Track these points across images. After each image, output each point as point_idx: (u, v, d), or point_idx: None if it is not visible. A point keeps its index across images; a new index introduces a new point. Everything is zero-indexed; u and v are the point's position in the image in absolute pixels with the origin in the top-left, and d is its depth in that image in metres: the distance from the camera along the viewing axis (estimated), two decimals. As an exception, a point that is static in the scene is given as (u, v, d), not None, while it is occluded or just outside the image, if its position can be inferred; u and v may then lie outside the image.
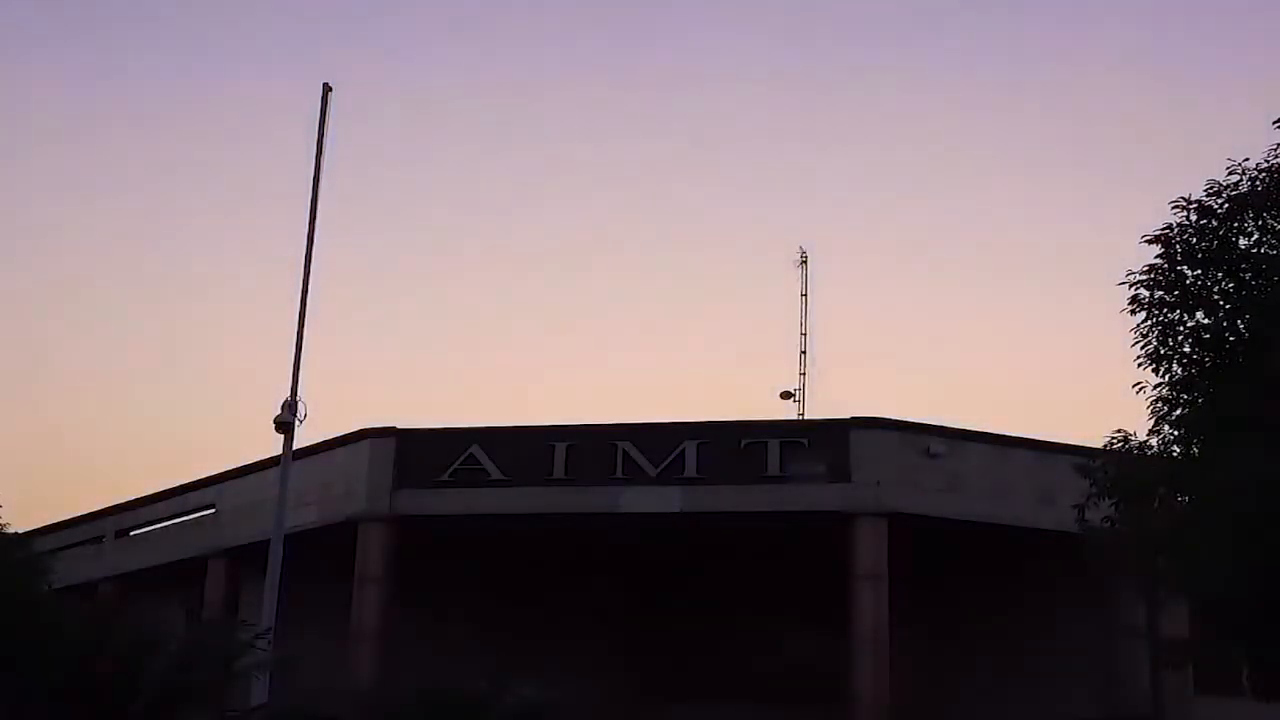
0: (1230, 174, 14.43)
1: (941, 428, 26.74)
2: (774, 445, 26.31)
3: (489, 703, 21.04)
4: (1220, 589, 13.60)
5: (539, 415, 51.60)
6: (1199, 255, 14.49)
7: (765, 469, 26.24)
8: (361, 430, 28.25)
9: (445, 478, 27.16)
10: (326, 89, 23.73)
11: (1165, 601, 16.35)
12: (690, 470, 26.42)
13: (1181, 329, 14.58)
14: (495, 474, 26.98)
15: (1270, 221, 14.40)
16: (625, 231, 71.19)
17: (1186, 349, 14.61)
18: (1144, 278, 14.59)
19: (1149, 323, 14.61)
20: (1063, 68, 68.80)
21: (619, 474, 26.58)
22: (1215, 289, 14.57)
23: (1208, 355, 14.55)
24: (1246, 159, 14.42)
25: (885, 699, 24.92)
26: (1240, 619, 13.61)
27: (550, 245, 70.61)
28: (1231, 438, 13.50)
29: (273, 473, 24.20)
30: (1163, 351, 14.60)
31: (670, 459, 26.42)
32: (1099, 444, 15.88)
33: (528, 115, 71.32)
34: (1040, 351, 65.56)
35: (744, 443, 26.47)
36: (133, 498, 34.55)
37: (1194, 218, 14.52)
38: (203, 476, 32.33)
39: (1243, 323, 14.38)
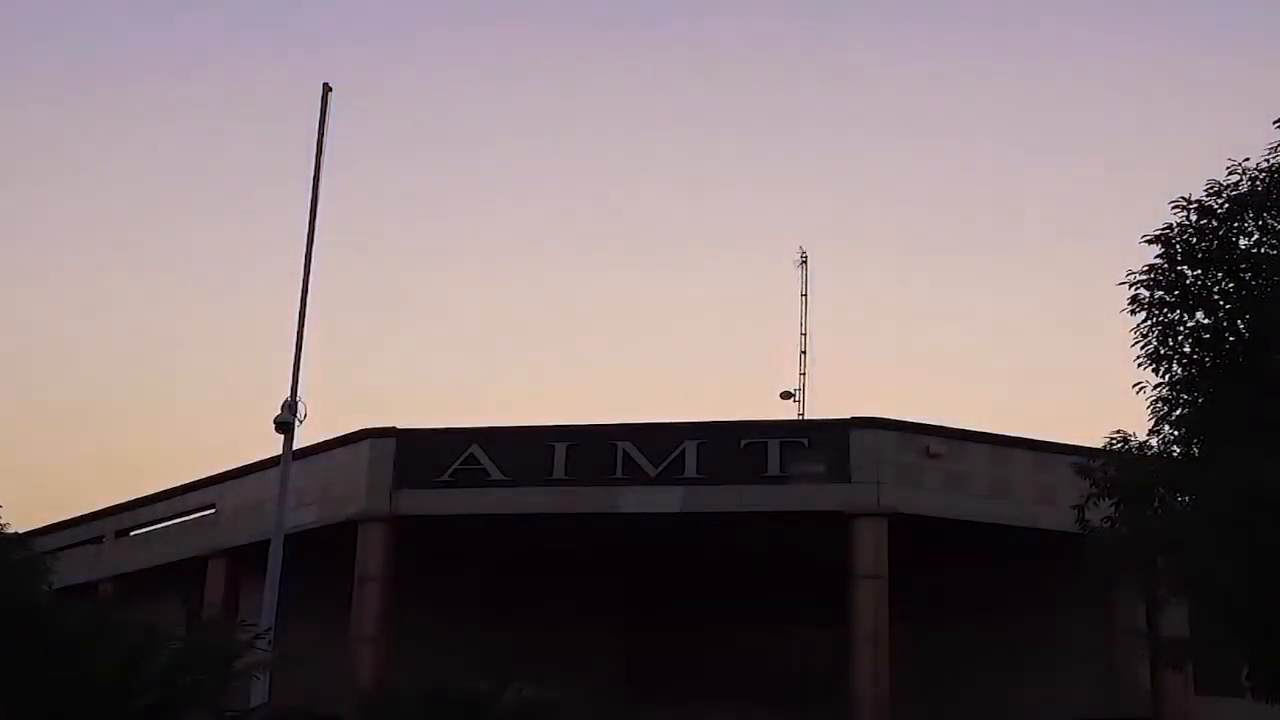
0: (1230, 174, 14.46)
1: (941, 428, 26.73)
2: (774, 445, 26.29)
3: (489, 703, 21.05)
4: (1220, 589, 13.59)
5: (539, 415, 51.60)
6: (1199, 255, 14.52)
7: (765, 469, 26.23)
8: (361, 430, 28.24)
9: (445, 478, 27.14)
10: (326, 89, 23.72)
11: (1165, 601, 16.31)
12: (690, 470, 26.40)
13: (1181, 329, 14.60)
14: (495, 474, 26.97)
15: (1270, 221, 14.42)
16: (625, 231, 71.24)
17: (1186, 349, 14.63)
18: (1144, 278, 14.62)
19: (1149, 323, 14.64)
20: (1063, 67, 68.82)
21: (619, 474, 26.57)
22: (1215, 289, 14.60)
23: (1208, 355, 14.57)
24: (1246, 159, 14.46)
25: (885, 699, 24.91)
26: (1240, 619, 13.61)
27: (550, 245, 70.66)
28: (1231, 438, 13.51)
29: (273, 473, 24.19)
30: (1163, 351, 14.62)
31: (670, 459, 26.41)
32: (1099, 444, 15.86)
33: (528, 115, 71.37)
34: (1040, 351, 65.61)
35: (744, 443, 26.45)
36: (133, 498, 34.54)
37: (1194, 218, 14.54)
38: (203, 476, 32.31)
39: (1243, 323, 14.40)
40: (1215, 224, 14.47)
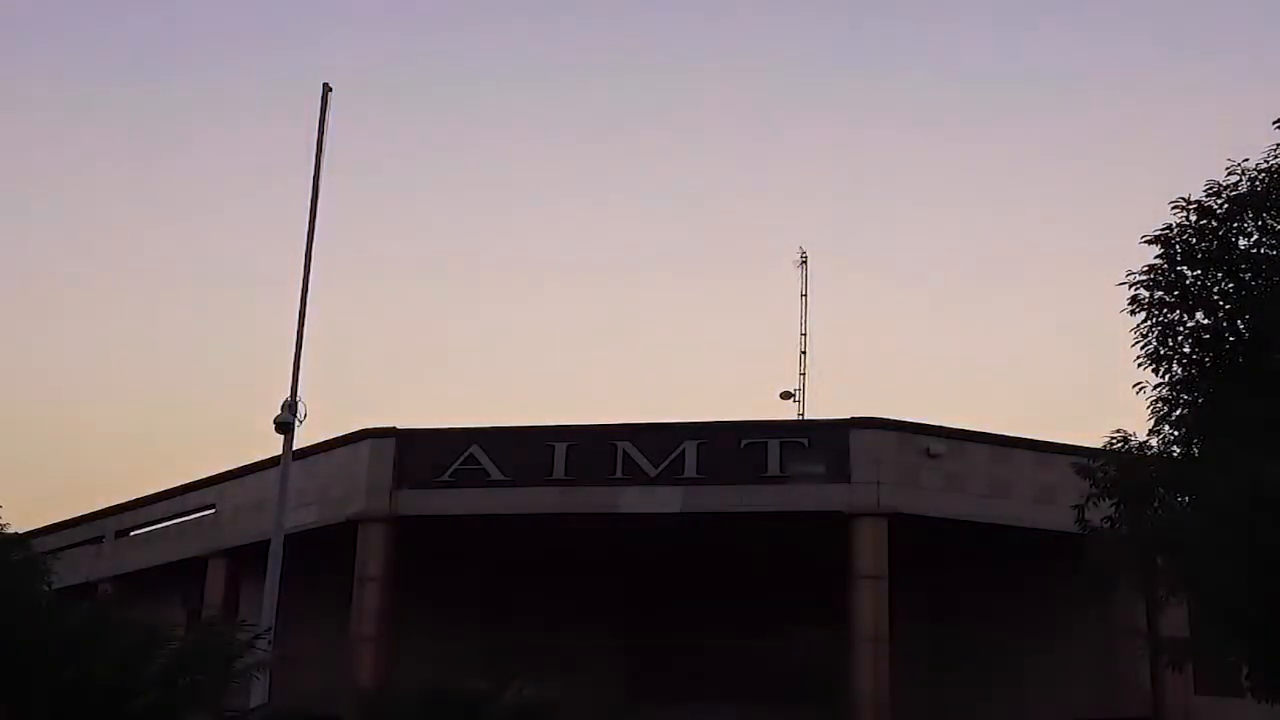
0: (1230, 174, 14.46)
1: (941, 428, 26.73)
2: (774, 445, 26.28)
3: (489, 702, 21.04)
4: (1220, 589, 13.59)
5: (539, 415, 51.62)
6: (1199, 255, 14.52)
7: (765, 469, 26.22)
8: (361, 430, 28.24)
9: (445, 478, 27.14)
10: (326, 89, 23.74)
11: (1165, 601, 16.30)
12: (690, 470, 26.39)
13: (1181, 329, 14.60)
14: (495, 474, 26.96)
15: (1270, 221, 14.43)
16: (625, 231, 71.24)
17: (1186, 349, 14.63)
18: (1144, 278, 14.62)
19: (1149, 323, 14.64)
20: (1063, 68, 68.82)
21: (619, 474, 26.55)
22: (1215, 289, 14.60)
23: (1208, 355, 14.57)
24: (1246, 159, 14.46)
25: (885, 699, 24.90)
26: (1240, 619, 13.61)
27: (550, 245, 70.68)
28: (1231, 438, 13.51)
29: (273, 473, 24.19)
30: (1163, 351, 14.62)
31: (670, 459, 26.40)
32: (1099, 444, 15.86)
33: (528, 115, 71.37)
34: (1040, 351, 65.63)
35: (744, 443, 26.44)
36: (133, 498, 34.54)
37: (1194, 218, 14.54)
38: (203, 476, 32.32)
39: (1243, 323, 14.40)
40: (1215, 224, 14.47)
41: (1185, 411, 14.57)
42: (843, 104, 68.43)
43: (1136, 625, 24.31)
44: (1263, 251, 14.39)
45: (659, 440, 26.61)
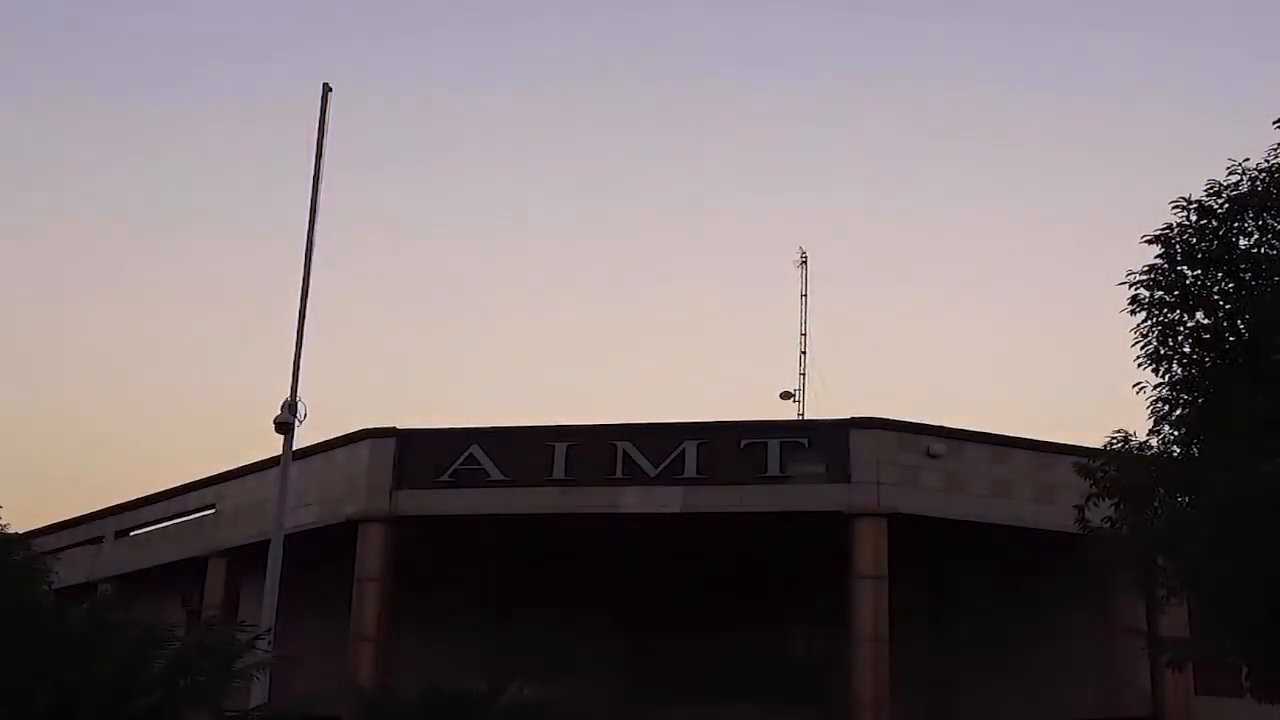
0: (1230, 174, 14.45)
1: (941, 428, 26.72)
2: (774, 445, 26.27)
3: (489, 703, 21.00)
4: (1220, 589, 13.59)
5: (539, 415, 51.62)
6: (1199, 255, 14.51)
7: (765, 469, 26.21)
8: (361, 430, 28.23)
9: (445, 478, 27.13)
10: (326, 89, 23.72)
11: (1165, 601, 16.31)
12: (690, 470, 26.38)
13: (1181, 329, 14.59)
14: (495, 474, 26.96)
15: (1270, 221, 14.41)
16: (625, 231, 71.24)
17: (1186, 349, 14.62)
18: (1144, 278, 14.60)
19: (1149, 323, 14.62)
20: (1063, 68, 68.82)
21: (619, 474, 26.54)
22: (1215, 289, 14.58)
23: (1208, 355, 14.56)
24: (1246, 159, 14.45)
25: (885, 699, 24.90)
26: (1240, 619, 13.61)
27: (550, 245, 70.69)
28: (1231, 438, 13.50)
29: (273, 473, 24.18)
30: (1163, 351, 14.61)
31: (670, 459, 26.39)
32: (1099, 444, 15.87)
33: (528, 115, 71.37)
34: (1040, 352, 65.63)
35: (744, 443, 26.43)
36: (133, 498, 34.56)
37: (1194, 218, 14.53)
38: (203, 476, 32.33)
39: (1243, 323, 14.38)
40: (1215, 224, 14.45)
41: (1185, 411, 14.56)
42: (843, 104, 68.45)
43: (1136, 625, 24.30)
44: (1263, 251, 14.37)
45: (659, 440, 26.60)
